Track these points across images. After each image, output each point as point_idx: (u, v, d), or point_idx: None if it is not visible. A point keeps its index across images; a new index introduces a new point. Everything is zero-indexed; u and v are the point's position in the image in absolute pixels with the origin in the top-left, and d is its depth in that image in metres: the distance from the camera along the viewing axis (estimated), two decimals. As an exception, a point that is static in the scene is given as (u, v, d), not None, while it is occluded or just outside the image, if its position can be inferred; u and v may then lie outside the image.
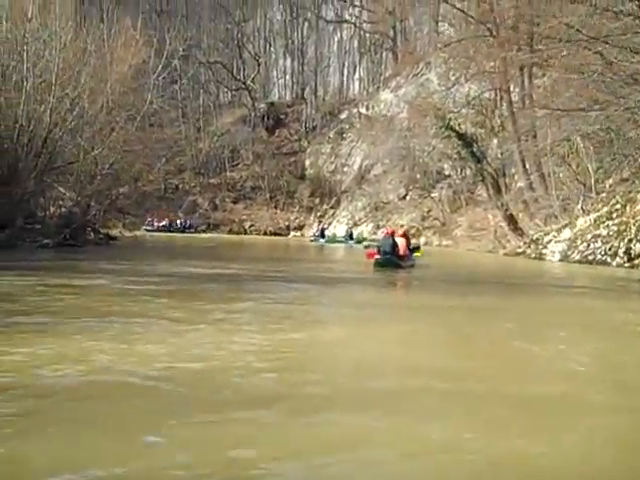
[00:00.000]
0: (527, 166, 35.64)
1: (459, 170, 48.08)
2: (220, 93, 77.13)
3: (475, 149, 42.38)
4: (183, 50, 48.70)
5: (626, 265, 23.93)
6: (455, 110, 45.35)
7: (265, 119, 71.38)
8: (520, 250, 31.69)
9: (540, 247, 29.89)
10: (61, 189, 29.29)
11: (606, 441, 4.61)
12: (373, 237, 46.71)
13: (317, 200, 65.08)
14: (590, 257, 25.84)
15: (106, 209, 31.80)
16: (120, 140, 30.29)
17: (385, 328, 9.17)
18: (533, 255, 29.74)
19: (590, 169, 30.44)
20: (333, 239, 52.35)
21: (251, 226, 63.55)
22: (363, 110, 66.50)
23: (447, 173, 49.66)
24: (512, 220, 36.53)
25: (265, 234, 61.64)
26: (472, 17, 38.54)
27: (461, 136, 43.02)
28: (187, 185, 66.29)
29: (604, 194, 29.29)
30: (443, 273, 21.74)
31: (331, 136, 68.41)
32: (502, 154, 40.49)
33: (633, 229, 24.58)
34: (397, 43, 67.35)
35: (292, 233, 63.03)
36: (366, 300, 12.86)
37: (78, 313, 9.12)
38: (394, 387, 5.66)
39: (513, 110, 36.34)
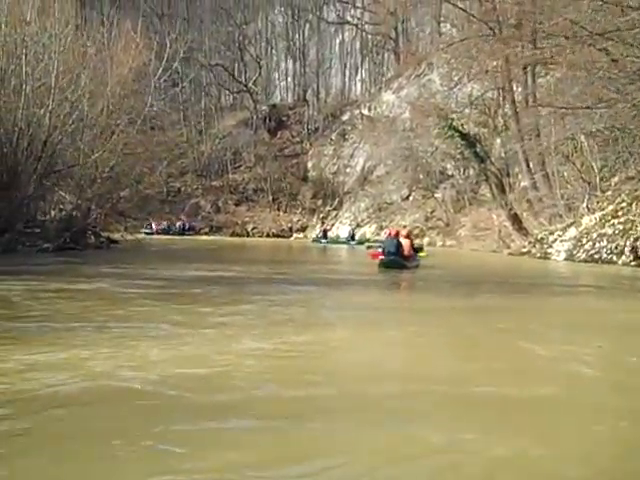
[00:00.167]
0: (531, 165, 35.37)
1: (462, 170, 47.87)
2: (222, 96, 77.00)
3: (478, 149, 42.14)
4: (184, 52, 48.44)
5: (632, 264, 23.73)
6: (458, 110, 45.20)
7: (267, 121, 71.18)
8: (525, 250, 31.49)
9: (545, 246, 29.69)
10: (61, 193, 29.13)
11: (609, 443, 4.51)
12: (376, 238, 46.61)
13: (320, 202, 64.89)
14: (596, 256, 25.63)
15: (107, 212, 31.68)
16: (121, 143, 30.15)
17: (389, 331, 9.00)
18: (538, 255, 29.52)
19: (595, 167, 30.24)
20: (335, 240, 52.66)
21: (254, 228, 63.35)
22: (365, 111, 66.33)
23: (450, 173, 49.43)
24: (516, 220, 36.31)
25: (268, 236, 61.46)
26: (474, 16, 38.27)
27: (464, 136, 42.77)
28: (189, 188, 66.13)
29: (609, 192, 29.07)
30: (448, 273, 21.61)
31: (333, 138, 68.23)
32: (506, 153, 40.31)
33: (639, 227, 24.37)
34: (399, 44, 67.11)
35: (295, 235, 62.83)
36: (370, 302, 12.71)
37: (78, 318, 8.99)
38: (397, 391, 5.56)
39: (516, 109, 36.10)
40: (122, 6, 54.46)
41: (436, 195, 49.89)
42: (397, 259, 19.96)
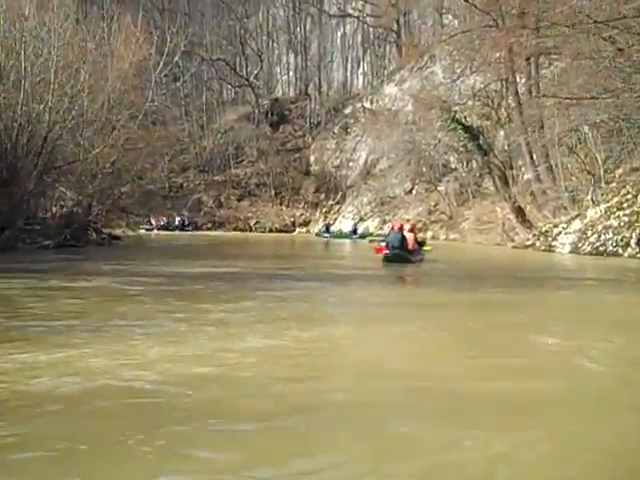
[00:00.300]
0: (534, 157, 35.13)
1: (465, 163, 47.61)
2: (223, 90, 76.87)
3: (481, 141, 41.99)
4: (185, 47, 48.37)
5: (638, 256, 23.65)
6: (461, 102, 44.97)
7: (269, 115, 70.99)
8: (529, 242, 31.31)
9: (549, 239, 29.52)
10: (62, 189, 28.97)
11: (614, 439, 4.42)
12: (379, 232, 46.56)
13: (322, 196, 64.76)
14: (601, 248, 25.48)
15: (108, 209, 31.48)
16: (121, 138, 29.99)
17: (394, 327, 8.85)
18: (542, 247, 29.36)
19: (599, 159, 30.03)
20: (337, 234, 52.90)
21: (256, 223, 63.20)
22: (367, 104, 66.10)
23: (453, 166, 49.16)
24: (520, 212, 36.09)
25: (270, 231, 61.36)
26: (476, 7, 37.97)
27: (467, 129, 42.61)
28: (191, 183, 65.93)
29: (614, 184, 28.90)
30: (452, 267, 21.54)
31: (336, 131, 68.06)
32: (509, 146, 40.08)
33: (645, 219, 24.26)
34: (401, 36, 66.85)
35: (298, 229, 62.72)
36: (375, 297, 12.62)
37: (78, 316, 8.93)
38: (401, 387, 5.52)
39: (520, 101, 35.87)
40: (123, 1, 54.12)
41: (439, 188, 49.63)
42: (401, 253, 19.87)
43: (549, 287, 15.55)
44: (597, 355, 6.98)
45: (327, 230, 54.56)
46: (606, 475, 3.86)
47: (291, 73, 78.15)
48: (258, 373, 5.88)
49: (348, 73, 75.15)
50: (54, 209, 29.08)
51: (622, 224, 25.29)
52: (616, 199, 26.99)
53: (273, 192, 65.66)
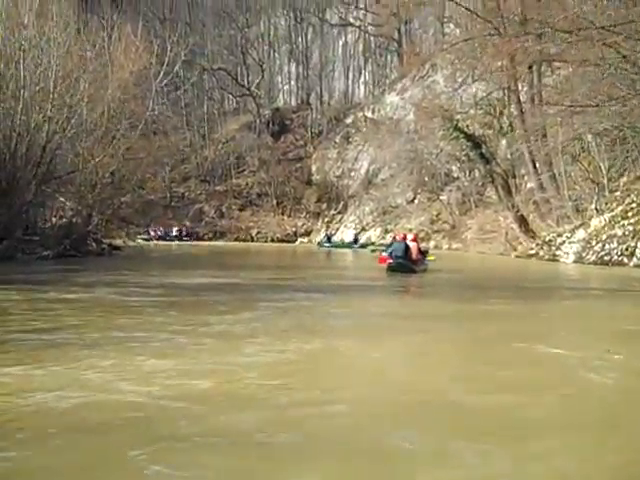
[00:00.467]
0: (537, 166, 34.93)
1: (468, 172, 47.52)
2: (225, 100, 76.94)
3: (484, 150, 41.73)
4: (185, 56, 48.31)
5: (644, 265, 23.38)
6: (463, 111, 44.79)
7: (270, 125, 71.04)
8: (532, 252, 31.10)
9: (553, 248, 29.30)
10: (62, 199, 28.79)
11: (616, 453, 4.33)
12: (381, 242, 46.47)
13: (324, 205, 64.76)
14: (606, 258, 25.24)
15: (108, 219, 31.33)
16: (122, 148, 29.87)
17: (398, 339, 8.72)
18: (546, 257, 29.14)
19: (603, 167, 29.78)
20: (338, 244, 53.00)
21: (258, 233, 63.19)
22: (369, 114, 66.13)
23: (455, 175, 49.13)
24: (523, 221, 35.89)
25: (272, 241, 61.34)
26: (478, 15, 37.89)
27: (469, 137, 42.39)
28: (193, 193, 66.03)
29: (618, 193, 28.64)
30: (456, 277, 21.47)
31: (337, 141, 68.10)
32: (511, 154, 39.89)
33: (650, 228, 24.04)
34: (402, 45, 66.83)
35: (299, 239, 62.65)
36: (378, 308, 12.51)
37: (76, 329, 8.76)
38: (404, 401, 5.43)
39: (522, 109, 35.69)
40: (123, 11, 54.14)
41: (441, 198, 49.58)
42: (405, 263, 19.78)
43: (554, 297, 15.39)
44: (602, 367, 6.81)
45: (328, 240, 54.63)
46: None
47: (292, 82, 78.18)
48: (259, 387, 5.75)
49: (349, 82, 75.20)
50: (54, 219, 28.92)
51: (627, 233, 25.06)
52: (621, 208, 26.76)
53: (275, 202, 65.62)
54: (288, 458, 4.08)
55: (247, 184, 67.20)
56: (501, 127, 42.88)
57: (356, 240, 52.44)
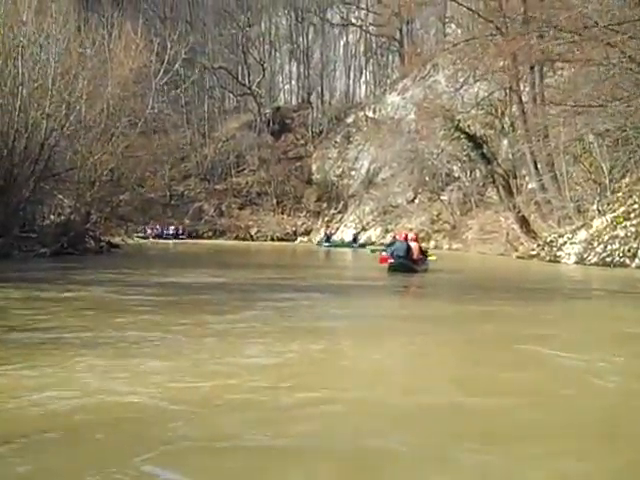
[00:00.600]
0: (539, 166, 34.74)
1: (469, 172, 47.36)
2: (225, 98, 76.86)
3: (485, 150, 41.61)
4: (185, 54, 48.20)
5: (646, 267, 23.22)
6: (464, 111, 44.58)
7: (271, 124, 70.90)
8: (534, 253, 30.90)
9: (554, 249, 29.10)
10: (60, 196, 28.64)
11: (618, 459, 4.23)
12: (381, 241, 46.43)
13: (324, 205, 64.67)
14: (608, 259, 25.06)
15: (107, 216, 31.19)
16: (121, 146, 29.75)
17: (399, 340, 8.62)
18: (547, 258, 28.94)
19: (604, 168, 29.60)
20: (337, 243, 53.29)
21: (257, 232, 63.08)
22: (370, 113, 65.98)
23: (456, 175, 48.96)
24: (524, 222, 35.71)
25: (272, 240, 61.24)
26: (480, 15, 37.74)
27: (470, 137, 42.26)
28: (192, 192, 65.90)
29: (620, 194, 28.46)
30: (457, 278, 21.40)
31: (338, 140, 67.99)
32: (513, 155, 39.74)
33: (653, 229, 23.89)
34: (404, 45, 66.66)
35: (299, 239, 62.54)
36: (379, 309, 12.44)
37: (73, 328, 8.64)
38: (405, 403, 5.38)
39: (524, 109, 35.50)
40: (124, 9, 54.03)
41: (442, 198, 49.44)
42: (407, 262, 19.78)
43: (556, 299, 15.18)
44: (604, 369, 6.77)
45: (328, 239, 54.85)
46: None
47: (293, 82, 78.08)
48: (258, 389, 5.65)
49: (350, 82, 75.07)
50: (52, 217, 28.79)
51: (629, 234, 24.90)
52: (623, 209, 26.60)
53: (275, 201, 65.51)
54: (285, 461, 3.99)
55: (247, 183, 67.09)
56: (502, 127, 42.75)
57: (355, 240, 52.63)
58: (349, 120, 68.77)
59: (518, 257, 32.29)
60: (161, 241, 50.71)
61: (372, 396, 5.58)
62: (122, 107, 30.35)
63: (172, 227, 59.70)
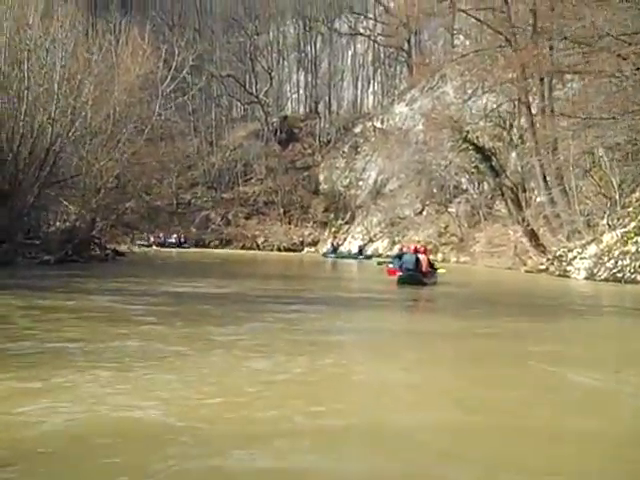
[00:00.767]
0: (548, 180, 34.42)
1: (477, 184, 47.07)
2: (233, 107, 76.83)
3: (493, 163, 41.35)
4: (193, 61, 48.14)
5: (658, 283, 22.94)
6: (472, 123, 44.32)
7: (278, 133, 70.70)
8: (542, 267, 30.61)
9: (564, 264, 28.78)
10: (65, 203, 28.44)
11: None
12: (388, 253, 46.18)
13: (331, 215, 64.39)
14: (618, 275, 24.76)
15: (113, 224, 30.98)
16: (127, 152, 29.54)
17: (408, 356, 8.62)
18: (557, 272, 28.63)
19: (614, 182, 29.31)
20: (343, 255, 53.23)
21: (264, 242, 62.85)
22: (378, 124, 65.80)
23: (464, 187, 48.63)
24: (533, 236, 35.38)
25: (278, 250, 60.98)
26: (489, 26, 37.53)
27: (479, 149, 42.00)
28: (199, 200, 65.73)
29: (631, 208, 28.15)
30: (465, 292, 21.22)
31: (345, 150, 67.78)
32: (522, 167, 39.42)
33: (664, 245, 23.57)
34: (412, 56, 66.54)
35: (306, 249, 62.24)
36: (387, 323, 12.36)
37: (76, 339, 8.57)
38: (413, 422, 5.33)
39: (533, 122, 35.23)
40: (132, 15, 54.07)
41: (450, 210, 49.17)
42: (416, 275, 19.90)
43: (567, 315, 15.00)
44: (614, 388, 6.82)
45: (334, 251, 54.81)
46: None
47: (301, 91, 77.95)
48: (265, 404, 5.61)
49: (358, 92, 74.91)
50: (57, 224, 28.58)
51: (640, 250, 24.61)
52: (634, 224, 26.31)
53: (282, 210, 65.27)
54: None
55: (254, 192, 66.90)
56: (511, 139, 42.50)
57: (361, 251, 52.41)
58: (357, 130, 68.60)
59: (526, 271, 32.01)
60: (164, 249, 50.37)
61: (378, 413, 5.57)
62: (128, 113, 30.20)
63: (174, 235, 59.34)
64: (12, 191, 23.23)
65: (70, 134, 25.83)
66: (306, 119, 73.66)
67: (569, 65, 29.53)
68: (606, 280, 24.93)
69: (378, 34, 72.18)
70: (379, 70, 74.03)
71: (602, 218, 29.21)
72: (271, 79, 73.49)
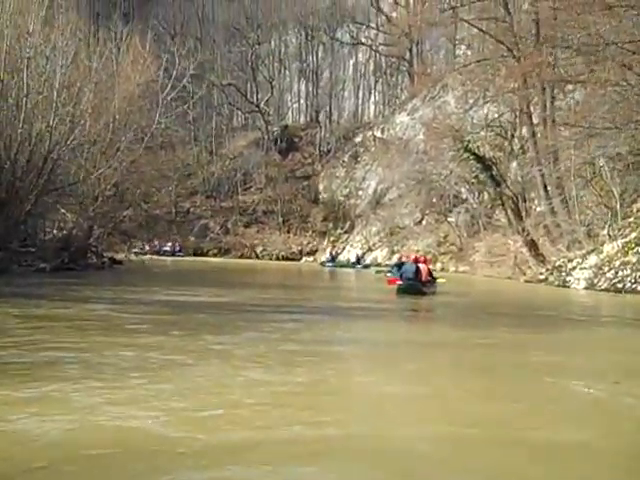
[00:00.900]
0: (549, 189, 34.33)
1: (477, 194, 46.96)
2: (233, 116, 76.86)
3: (494, 172, 41.21)
4: (194, 70, 48.00)
5: (659, 294, 22.81)
6: (473, 132, 44.26)
7: (278, 142, 70.70)
8: (542, 277, 30.49)
9: (564, 274, 28.65)
10: (62, 210, 28.35)
11: None
12: (387, 262, 46.12)
13: (331, 224, 64.30)
14: (619, 285, 24.63)
15: (110, 232, 30.87)
16: (126, 160, 29.43)
17: (407, 367, 8.50)
18: (556, 282, 28.50)
19: (615, 192, 29.20)
20: (341, 264, 53.31)
21: (263, 250, 62.77)
22: (378, 133, 65.77)
23: (464, 197, 48.52)
24: (533, 246, 35.24)
25: (277, 259, 60.90)
26: (491, 35, 37.49)
27: (479, 159, 41.88)
28: (198, 209, 65.77)
29: (632, 219, 28.04)
30: (465, 302, 21.21)
31: (345, 160, 67.73)
32: (522, 177, 39.31)
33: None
34: (413, 66, 66.64)
35: (305, 258, 62.12)
36: (386, 333, 12.32)
37: (69, 348, 8.55)
38: (413, 434, 5.29)
39: (534, 131, 35.16)
40: (134, 24, 54.07)
41: (449, 219, 49.07)
42: (415, 284, 19.97)
43: (566, 326, 14.89)
44: (614, 400, 6.72)
45: (332, 260, 54.85)
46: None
47: (302, 100, 77.95)
48: (262, 415, 5.59)
49: (359, 101, 74.96)
50: (54, 231, 28.49)
51: (641, 260, 24.48)
52: (634, 234, 26.19)
53: (281, 219, 65.20)
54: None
55: (253, 201, 66.89)
56: (512, 149, 42.39)
57: (359, 261, 52.64)
58: (357, 140, 68.56)
59: (526, 281, 31.88)
60: (157, 258, 50.20)
61: (379, 425, 5.51)
62: (128, 121, 30.14)
63: (169, 244, 59.04)
64: (9, 199, 23.16)
65: (69, 142, 25.75)
66: (307, 128, 73.66)
67: (572, 74, 29.40)
68: (606, 290, 24.82)
69: (380, 44, 72.22)
70: (380, 80, 74.03)
71: (603, 228, 29.13)
72: (272, 88, 73.54)
